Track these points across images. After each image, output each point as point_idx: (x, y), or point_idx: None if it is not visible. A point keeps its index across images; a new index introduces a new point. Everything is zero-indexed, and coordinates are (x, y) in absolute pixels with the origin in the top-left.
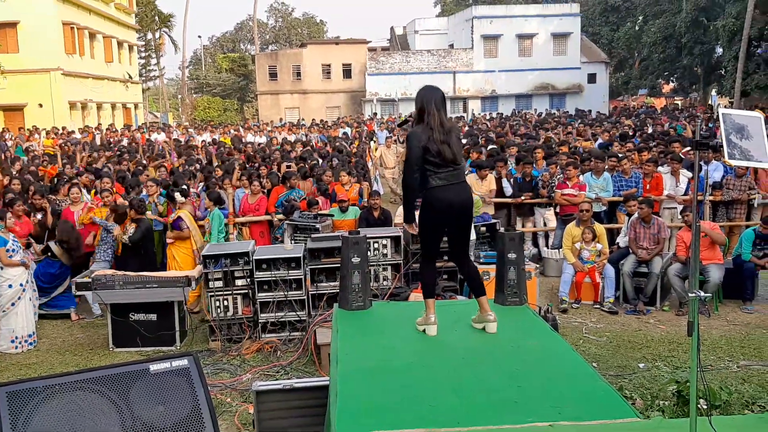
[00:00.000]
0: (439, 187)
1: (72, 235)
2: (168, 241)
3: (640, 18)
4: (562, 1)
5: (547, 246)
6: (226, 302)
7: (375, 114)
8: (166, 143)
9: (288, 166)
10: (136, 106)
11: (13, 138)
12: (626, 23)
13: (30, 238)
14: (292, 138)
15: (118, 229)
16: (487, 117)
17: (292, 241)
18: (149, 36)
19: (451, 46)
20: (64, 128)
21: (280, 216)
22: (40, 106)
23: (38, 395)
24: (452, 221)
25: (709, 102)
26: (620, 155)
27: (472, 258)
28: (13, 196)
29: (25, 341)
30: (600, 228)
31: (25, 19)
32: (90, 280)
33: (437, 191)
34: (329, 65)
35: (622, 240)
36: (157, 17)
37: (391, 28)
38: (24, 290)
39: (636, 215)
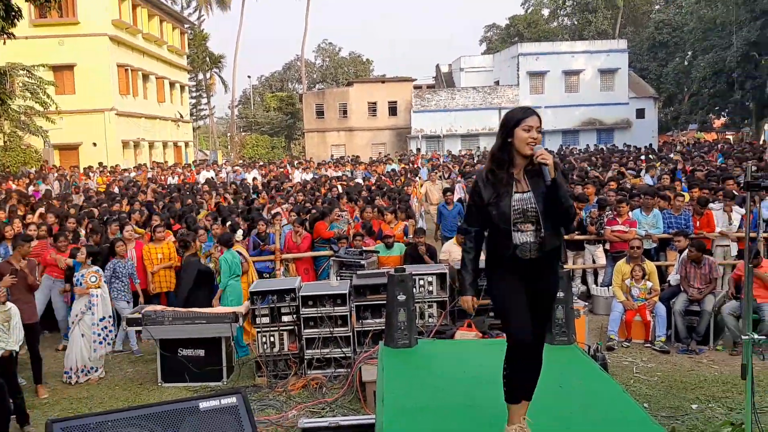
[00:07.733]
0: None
1: None
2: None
3: (689, 53)
4: (609, 38)
5: (596, 283)
6: (272, 338)
7: (418, 150)
8: (214, 180)
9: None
10: (186, 144)
11: (68, 176)
12: (675, 58)
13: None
14: (338, 174)
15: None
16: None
17: (338, 278)
18: (200, 76)
19: (497, 83)
20: (116, 166)
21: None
22: (95, 145)
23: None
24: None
25: (762, 137)
26: (672, 193)
27: None
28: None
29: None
30: (650, 265)
31: (81, 62)
32: (140, 315)
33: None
34: (375, 103)
35: (673, 278)
36: (208, 58)
37: (437, 66)
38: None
39: (686, 254)
